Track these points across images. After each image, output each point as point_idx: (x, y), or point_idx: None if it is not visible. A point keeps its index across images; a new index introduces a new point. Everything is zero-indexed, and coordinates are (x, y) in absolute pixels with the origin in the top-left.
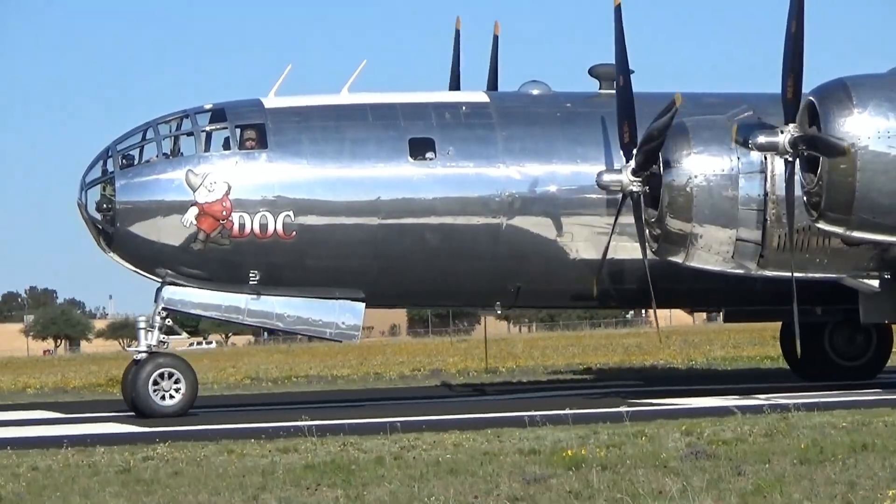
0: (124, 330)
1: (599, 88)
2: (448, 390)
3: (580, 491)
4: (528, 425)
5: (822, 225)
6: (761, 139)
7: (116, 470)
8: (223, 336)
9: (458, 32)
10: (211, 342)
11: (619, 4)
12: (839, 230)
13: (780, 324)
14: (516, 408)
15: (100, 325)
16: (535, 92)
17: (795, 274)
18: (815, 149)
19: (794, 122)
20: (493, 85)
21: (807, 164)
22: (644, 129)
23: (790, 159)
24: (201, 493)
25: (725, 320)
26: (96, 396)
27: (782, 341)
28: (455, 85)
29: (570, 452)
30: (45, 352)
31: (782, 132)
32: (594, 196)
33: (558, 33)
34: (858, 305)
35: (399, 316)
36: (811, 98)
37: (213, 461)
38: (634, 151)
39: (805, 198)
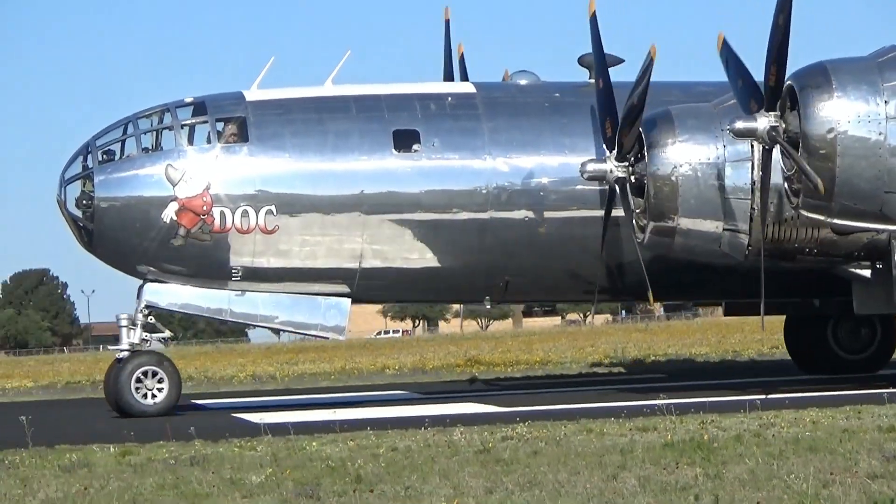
0: (480, 310)
1: (589, 78)
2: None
3: None
4: (886, 402)
5: (802, 212)
6: (739, 125)
7: (475, 450)
8: (581, 315)
9: (447, 23)
10: (398, 331)
11: (595, 13)
12: (820, 217)
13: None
14: (874, 385)
15: (455, 305)
16: (523, 82)
17: (783, 264)
18: (793, 146)
19: (773, 108)
20: (449, 74)
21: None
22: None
23: (767, 146)
24: (560, 472)
25: (726, 313)
26: (454, 376)
27: (786, 334)
28: (449, 76)
29: None
30: (403, 332)
31: (762, 117)
32: (582, 187)
33: (548, 22)
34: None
35: None
36: (790, 82)
37: (572, 440)
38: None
39: (785, 185)
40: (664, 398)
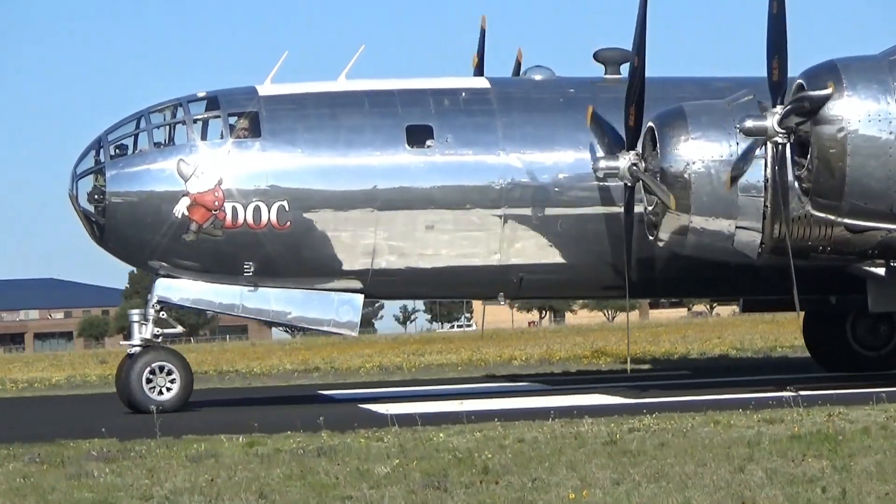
0: (607, 302)
1: (605, 73)
2: None
3: None
4: None
5: (812, 211)
6: (749, 123)
7: (603, 441)
8: (708, 307)
9: (483, 32)
10: (472, 325)
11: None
12: (830, 217)
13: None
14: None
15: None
16: (538, 77)
17: (798, 263)
18: (802, 109)
19: (782, 104)
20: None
21: (798, 148)
22: (649, 115)
23: (780, 140)
24: (687, 464)
25: (743, 310)
26: (581, 367)
27: (805, 331)
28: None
29: None
30: (529, 323)
31: (771, 115)
32: (597, 183)
33: (564, 17)
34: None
35: None
36: (800, 81)
37: (698, 432)
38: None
39: (796, 183)
40: (792, 390)
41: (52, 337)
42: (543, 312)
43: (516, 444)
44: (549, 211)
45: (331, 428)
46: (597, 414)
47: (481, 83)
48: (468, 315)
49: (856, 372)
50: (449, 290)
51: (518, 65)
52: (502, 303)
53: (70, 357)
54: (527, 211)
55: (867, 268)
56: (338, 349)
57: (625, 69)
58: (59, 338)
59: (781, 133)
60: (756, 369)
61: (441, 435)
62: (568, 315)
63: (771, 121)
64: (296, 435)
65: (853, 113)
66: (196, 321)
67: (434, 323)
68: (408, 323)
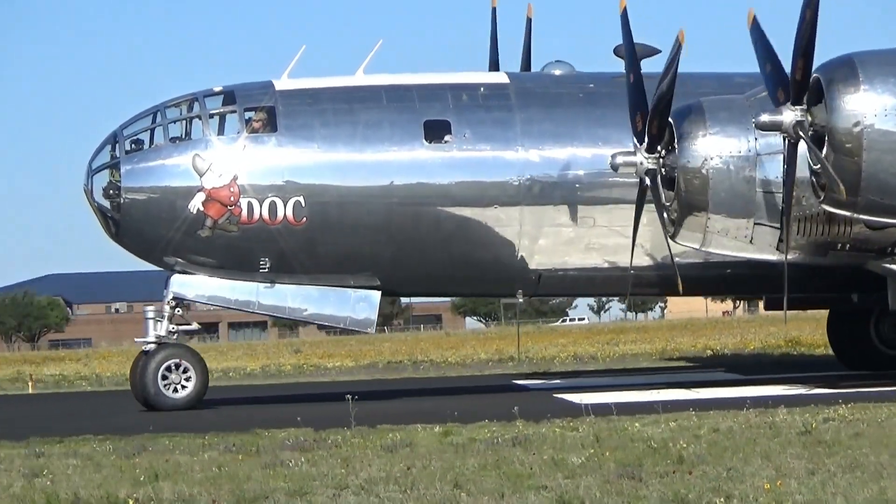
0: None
1: (625, 69)
2: None
3: None
4: None
5: (828, 207)
6: (764, 118)
7: (797, 431)
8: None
9: (494, 10)
10: (583, 318)
11: (626, 8)
12: (846, 213)
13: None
14: None
15: None
16: (558, 72)
17: (815, 260)
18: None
19: (800, 101)
20: (495, 63)
21: (814, 142)
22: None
23: (793, 140)
24: (882, 454)
25: (766, 308)
26: (773, 359)
27: (829, 330)
28: (495, 65)
29: None
30: (724, 313)
31: (787, 110)
32: (616, 179)
33: (585, 12)
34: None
35: None
36: (817, 75)
37: (893, 422)
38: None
39: (813, 179)
40: None
41: (247, 326)
42: (737, 302)
43: (711, 434)
44: (568, 207)
45: (525, 417)
46: (791, 404)
47: (500, 78)
48: (662, 305)
49: (878, 370)
50: (466, 287)
51: (529, 22)
52: (520, 300)
53: (264, 346)
54: (545, 207)
55: (887, 265)
56: (532, 339)
57: (645, 64)
58: (254, 327)
59: (801, 113)
60: None
61: (636, 424)
62: (761, 305)
63: (786, 115)
64: (490, 424)
65: (870, 107)
66: (390, 310)
67: (628, 313)
68: (602, 312)
